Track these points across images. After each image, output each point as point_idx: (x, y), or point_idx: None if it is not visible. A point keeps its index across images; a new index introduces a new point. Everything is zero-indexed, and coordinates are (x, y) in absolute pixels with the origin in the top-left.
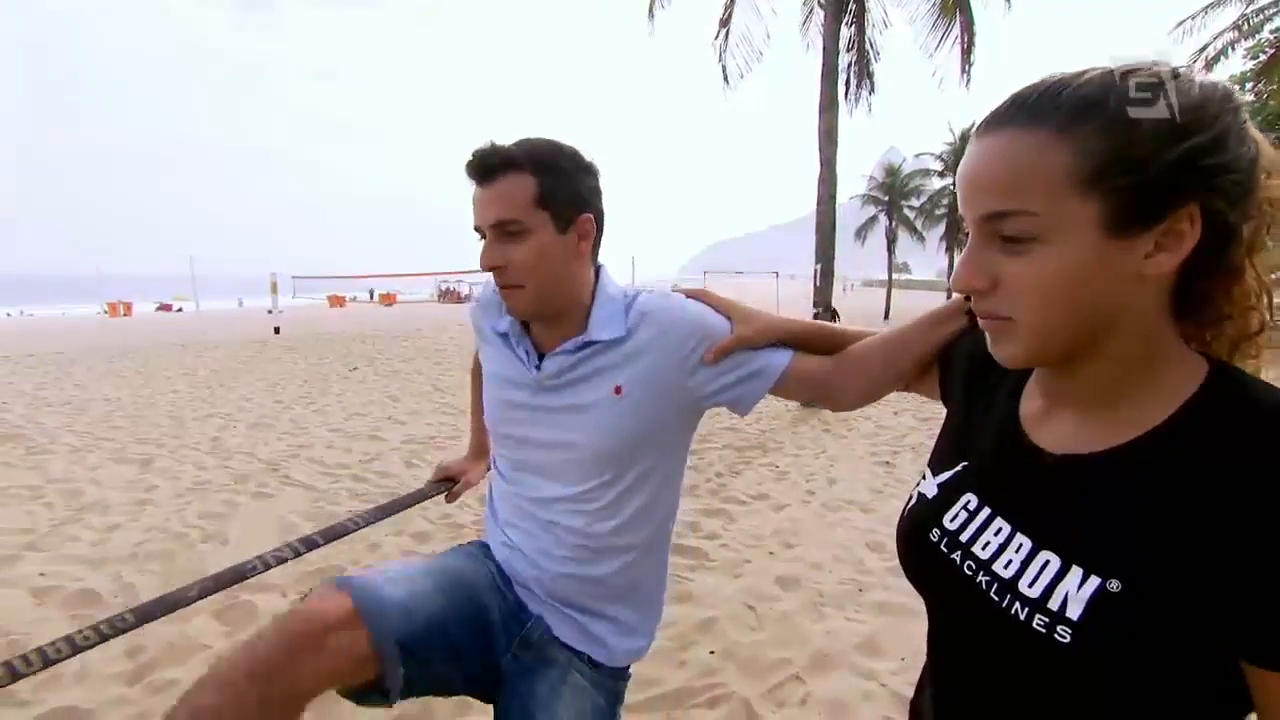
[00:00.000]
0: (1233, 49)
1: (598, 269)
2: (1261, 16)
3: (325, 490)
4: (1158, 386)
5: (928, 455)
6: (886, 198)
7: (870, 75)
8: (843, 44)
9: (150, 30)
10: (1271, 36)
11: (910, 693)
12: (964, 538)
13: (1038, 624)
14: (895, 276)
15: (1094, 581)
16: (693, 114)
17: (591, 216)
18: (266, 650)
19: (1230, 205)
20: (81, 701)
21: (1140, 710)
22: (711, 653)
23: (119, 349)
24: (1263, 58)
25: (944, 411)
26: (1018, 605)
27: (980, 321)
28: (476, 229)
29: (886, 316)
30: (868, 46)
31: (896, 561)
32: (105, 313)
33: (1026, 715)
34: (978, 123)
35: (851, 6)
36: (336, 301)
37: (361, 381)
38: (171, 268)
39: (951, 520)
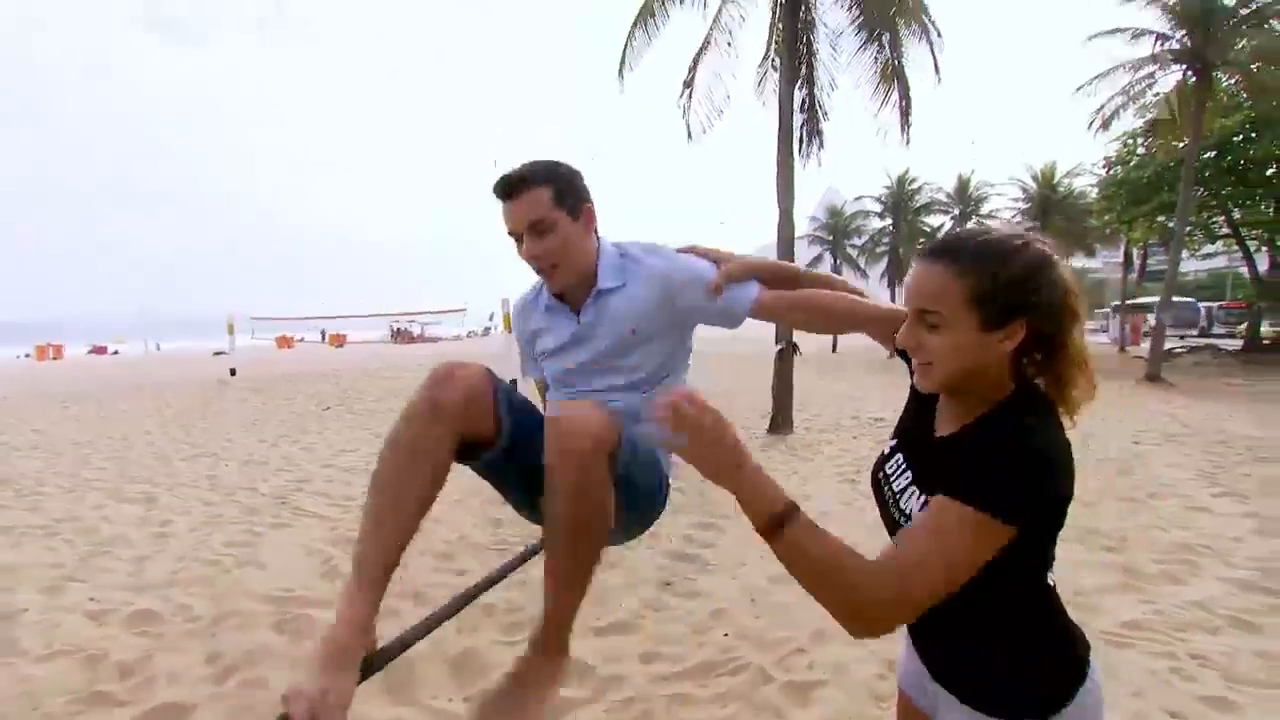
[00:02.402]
0: (1124, 110)
1: (598, 238)
2: (1143, 84)
3: (340, 519)
4: (985, 402)
5: None
6: (830, 237)
7: (820, 133)
8: (796, 104)
9: (84, 61)
10: (1154, 99)
11: (893, 656)
12: (891, 479)
13: (902, 521)
14: None
15: (923, 498)
16: (651, 151)
17: (591, 205)
18: (429, 392)
19: (1045, 318)
20: (181, 699)
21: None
22: (725, 635)
23: (66, 394)
24: (1149, 117)
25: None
26: (898, 513)
27: (913, 363)
28: (511, 234)
29: (834, 349)
30: (817, 108)
31: (873, 559)
32: (30, 356)
33: None
34: (924, 247)
35: (804, 73)
36: (285, 342)
37: (338, 420)
38: (103, 309)
39: (889, 466)
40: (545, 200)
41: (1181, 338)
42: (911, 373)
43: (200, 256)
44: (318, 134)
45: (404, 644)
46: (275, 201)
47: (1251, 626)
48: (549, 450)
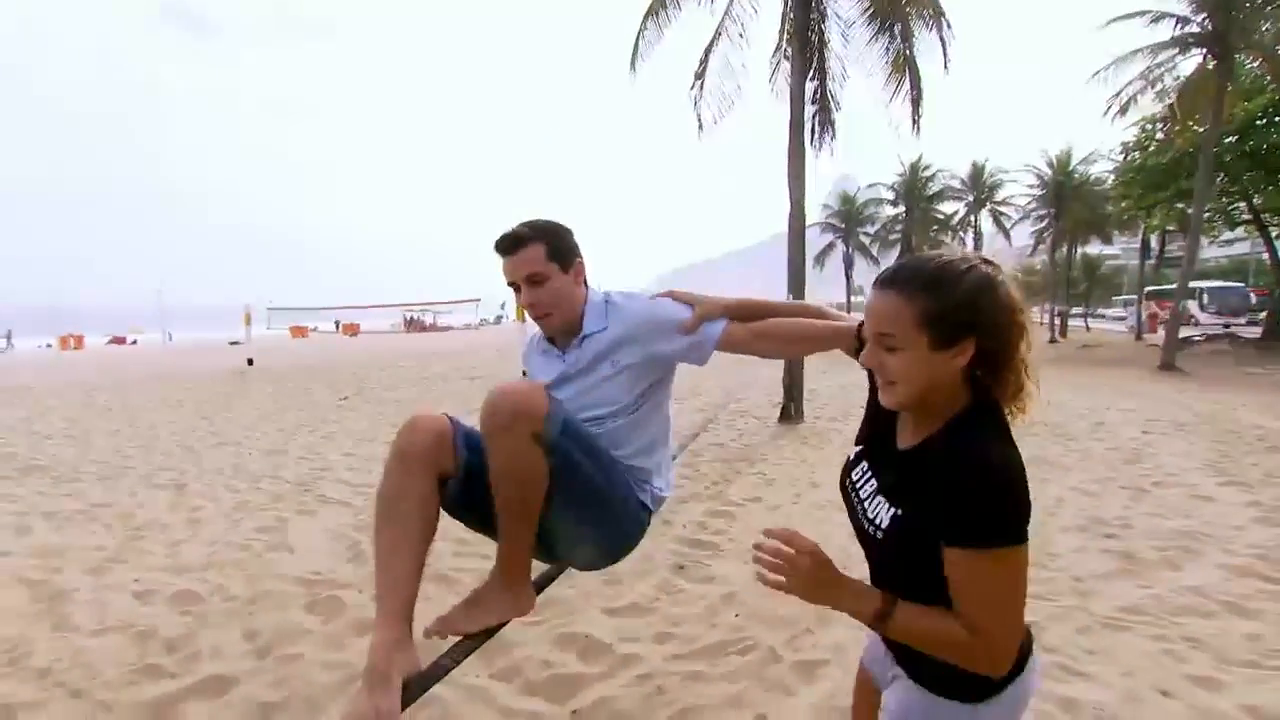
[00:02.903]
0: (1142, 94)
1: (586, 288)
2: (1162, 69)
3: (362, 506)
4: (942, 415)
5: None
6: (843, 225)
7: (832, 124)
8: (807, 96)
9: (96, 60)
10: (1174, 83)
11: None
12: (857, 486)
13: (871, 530)
14: (853, 299)
15: (893, 510)
16: (654, 146)
17: (580, 260)
18: (398, 442)
19: (990, 336)
20: (225, 672)
21: (920, 574)
22: (736, 616)
23: (89, 383)
24: (1169, 101)
25: None
26: (867, 522)
27: (878, 381)
28: (510, 284)
29: None
30: (829, 98)
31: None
32: (53, 346)
33: (880, 573)
34: (879, 276)
35: (815, 63)
36: (299, 332)
37: (355, 410)
38: (118, 301)
39: (855, 475)
40: (540, 256)
41: (1226, 326)
42: (873, 383)
43: (200, 249)
44: (318, 132)
45: (442, 669)
46: (275, 196)
47: (1245, 611)
48: (481, 414)
